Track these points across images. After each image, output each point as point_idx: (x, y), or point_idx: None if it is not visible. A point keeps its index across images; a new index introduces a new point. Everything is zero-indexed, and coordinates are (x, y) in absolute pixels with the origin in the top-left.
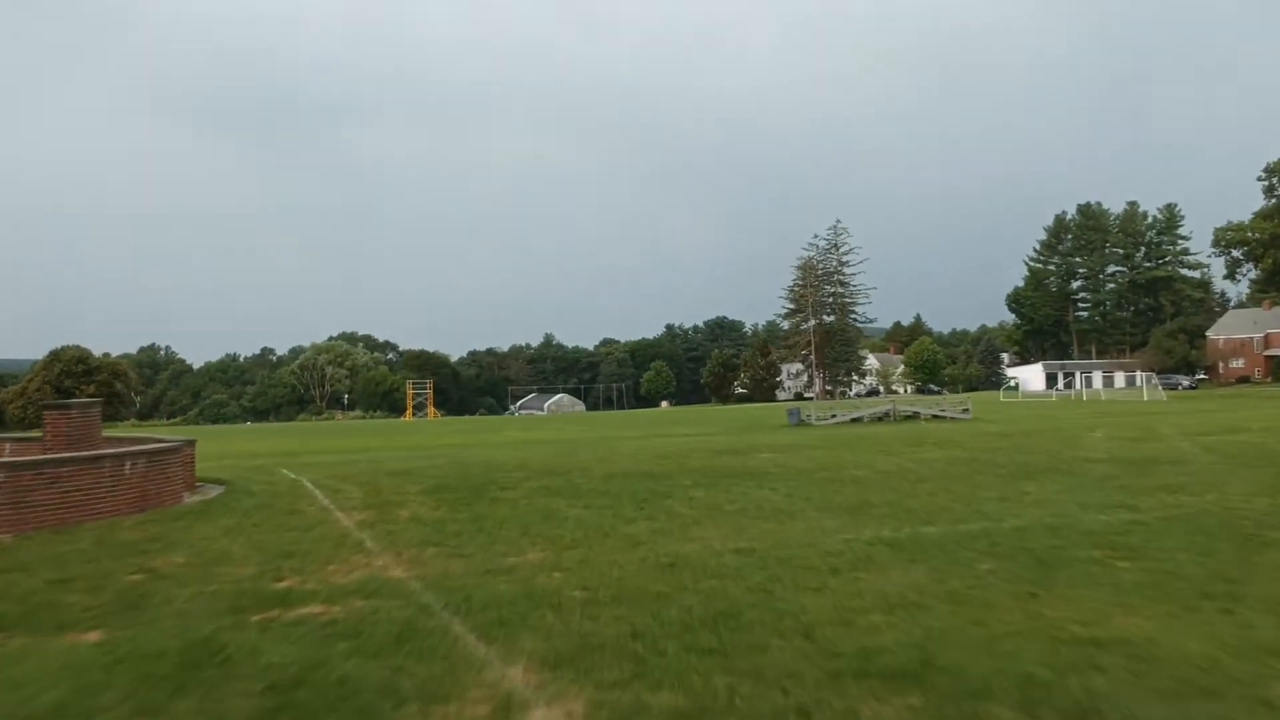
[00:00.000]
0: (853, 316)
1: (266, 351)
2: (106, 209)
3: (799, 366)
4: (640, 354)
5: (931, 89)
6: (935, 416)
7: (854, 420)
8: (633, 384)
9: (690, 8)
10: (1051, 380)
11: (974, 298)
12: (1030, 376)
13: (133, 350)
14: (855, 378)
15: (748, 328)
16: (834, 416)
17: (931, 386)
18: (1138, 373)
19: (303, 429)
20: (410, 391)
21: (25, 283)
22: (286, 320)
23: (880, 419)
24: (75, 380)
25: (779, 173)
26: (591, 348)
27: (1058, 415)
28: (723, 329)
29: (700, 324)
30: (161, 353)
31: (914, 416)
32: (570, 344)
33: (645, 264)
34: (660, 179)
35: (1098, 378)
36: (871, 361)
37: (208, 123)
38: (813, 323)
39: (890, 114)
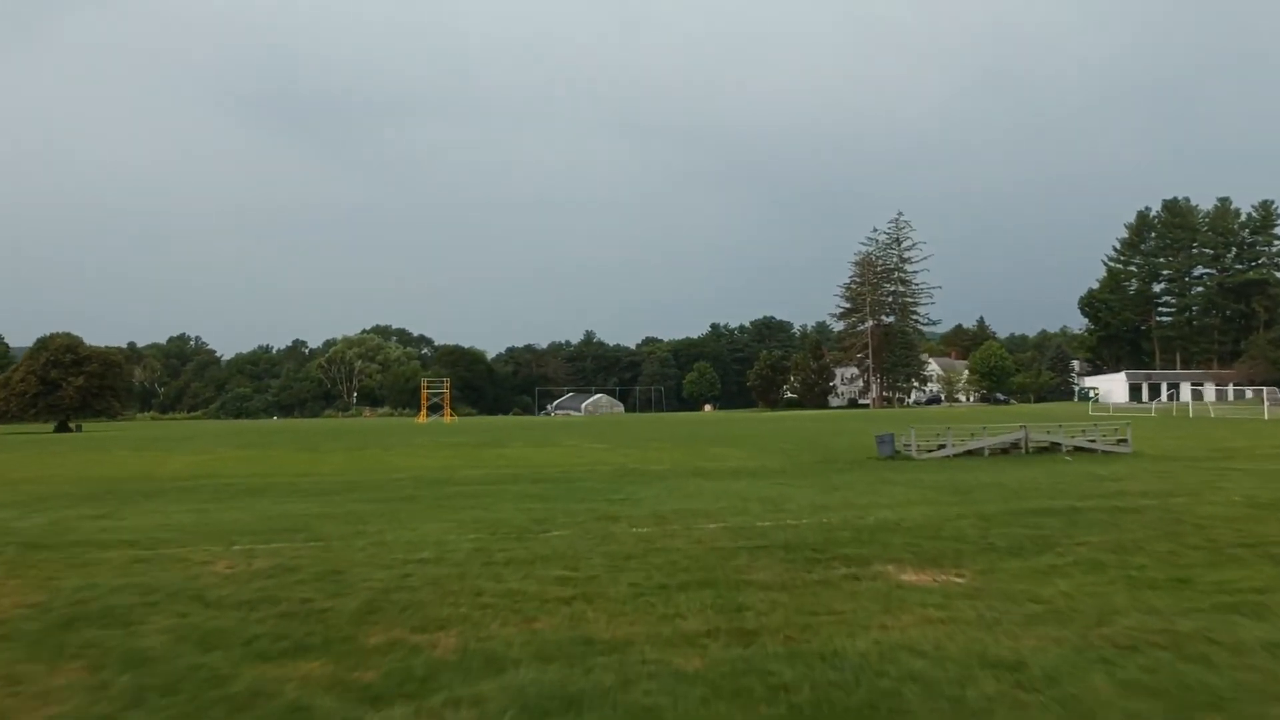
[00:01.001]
0: (915, 318)
1: (299, 344)
2: (143, 199)
3: (854, 370)
4: (684, 354)
5: (990, 89)
6: (1081, 449)
7: (969, 453)
8: (675, 385)
9: (741, 8)
10: (1135, 391)
11: (1033, 302)
12: (1112, 387)
13: (162, 340)
14: (915, 384)
15: (796, 329)
16: (942, 447)
17: (998, 395)
18: (1230, 385)
19: (296, 430)
20: (425, 391)
21: (52, 270)
22: (325, 313)
23: (1006, 451)
24: (62, 371)
25: (830, 172)
26: (633, 346)
27: (1252, 448)
28: (770, 329)
29: (746, 324)
30: (191, 343)
31: (1052, 449)
32: (611, 342)
33: (692, 262)
34: (709, 178)
35: (1185, 389)
36: (933, 367)
37: (250, 116)
38: (870, 323)
39: (949, 114)
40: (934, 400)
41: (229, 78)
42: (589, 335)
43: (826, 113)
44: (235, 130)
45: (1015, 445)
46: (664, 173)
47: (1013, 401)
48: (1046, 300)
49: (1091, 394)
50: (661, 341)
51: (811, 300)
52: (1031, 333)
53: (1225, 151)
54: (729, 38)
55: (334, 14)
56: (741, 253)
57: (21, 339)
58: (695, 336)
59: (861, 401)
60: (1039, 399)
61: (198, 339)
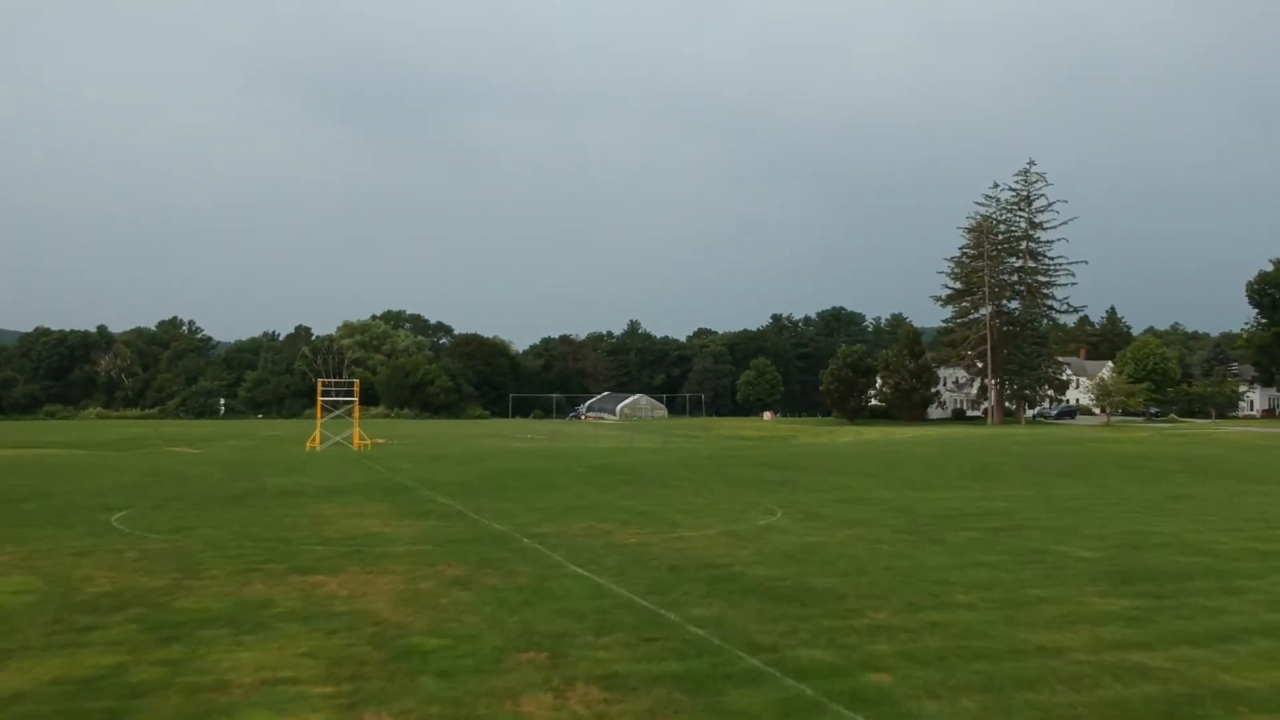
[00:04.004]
0: (1048, 304)
1: (302, 331)
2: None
3: (962, 373)
4: (741, 348)
5: (1065, 89)
6: None
7: None
8: (730, 383)
9: (813, 9)
10: None
11: (1136, 298)
12: None
13: (151, 325)
14: (1049, 391)
15: (869, 321)
16: None
17: (1152, 409)
18: None
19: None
20: (320, 399)
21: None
22: (347, 301)
23: None
24: None
25: (901, 169)
26: (684, 339)
27: None
28: (839, 321)
29: (812, 315)
30: (183, 328)
31: None
32: (659, 334)
33: (750, 251)
34: (774, 174)
35: None
36: (1069, 371)
37: (301, 98)
38: (988, 310)
39: (1020, 102)
40: (1067, 413)
41: (277, 59)
42: (633, 325)
43: (896, 99)
44: (267, 107)
45: None
46: (733, 171)
47: (1174, 416)
48: (1153, 297)
49: None
50: (715, 334)
51: (884, 290)
52: (1138, 329)
53: None
54: (801, 37)
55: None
56: (805, 241)
57: (19, 323)
58: (754, 329)
59: (972, 414)
60: (1188, 411)
61: (190, 323)
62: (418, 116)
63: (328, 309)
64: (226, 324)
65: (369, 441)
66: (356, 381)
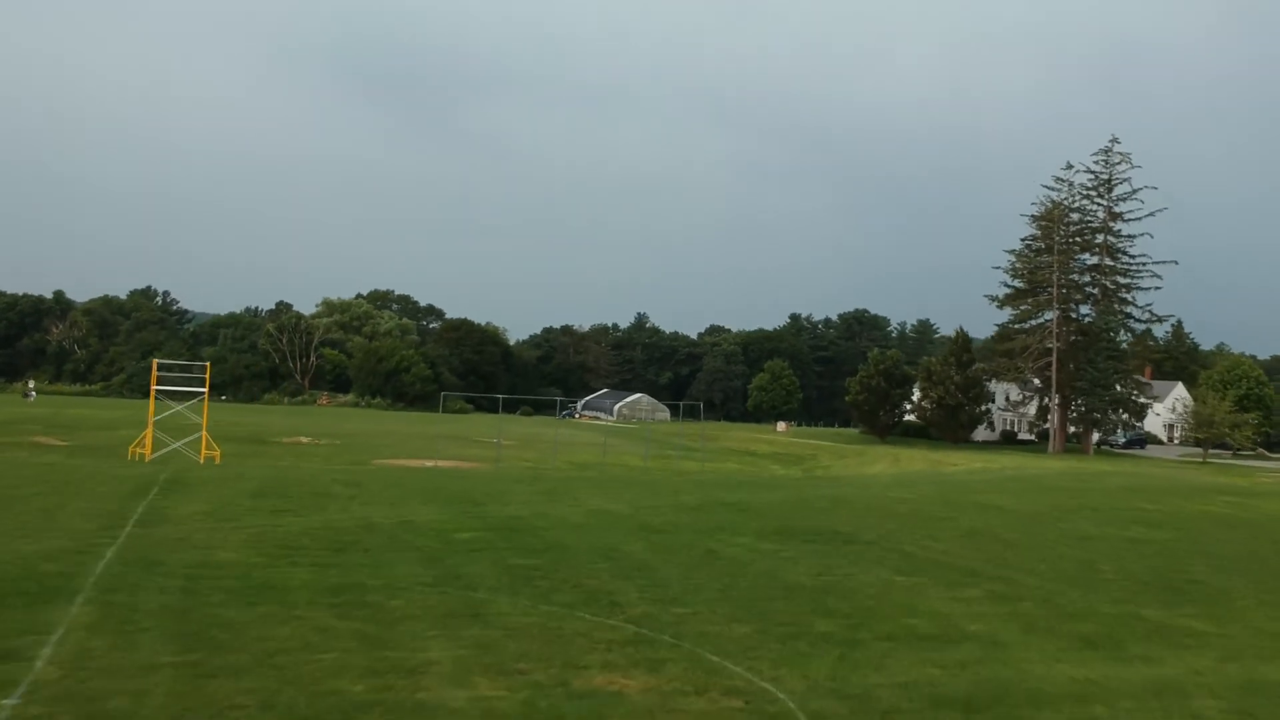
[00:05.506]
0: (1127, 310)
1: (282, 307)
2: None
3: (1016, 389)
4: (755, 348)
5: (1100, 101)
6: None
7: None
8: (742, 385)
9: (844, 10)
10: None
11: (1183, 315)
12: None
13: (121, 294)
14: (1127, 416)
15: (894, 325)
16: None
17: (1246, 447)
18: None
19: None
20: (154, 385)
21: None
22: (342, 282)
23: None
24: None
25: (927, 175)
26: (695, 336)
27: None
28: (862, 324)
29: (833, 317)
30: (157, 299)
31: None
32: (669, 329)
33: (769, 253)
34: (795, 173)
35: None
36: (1149, 395)
37: (318, 77)
38: (1054, 314)
39: (1061, 123)
40: (1137, 441)
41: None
42: (640, 318)
43: (924, 104)
44: (281, 83)
45: None
46: (743, 159)
47: (1262, 452)
48: (1198, 316)
49: None
50: (729, 332)
51: (906, 296)
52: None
53: None
54: (824, 31)
55: None
56: (825, 241)
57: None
58: (770, 328)
59: (1024, 437)
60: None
61: (165, 294)
62: (437, 99)
63: (319, 288)
64: (211, 298)
65: (216, 452)
66: (208, 365)
